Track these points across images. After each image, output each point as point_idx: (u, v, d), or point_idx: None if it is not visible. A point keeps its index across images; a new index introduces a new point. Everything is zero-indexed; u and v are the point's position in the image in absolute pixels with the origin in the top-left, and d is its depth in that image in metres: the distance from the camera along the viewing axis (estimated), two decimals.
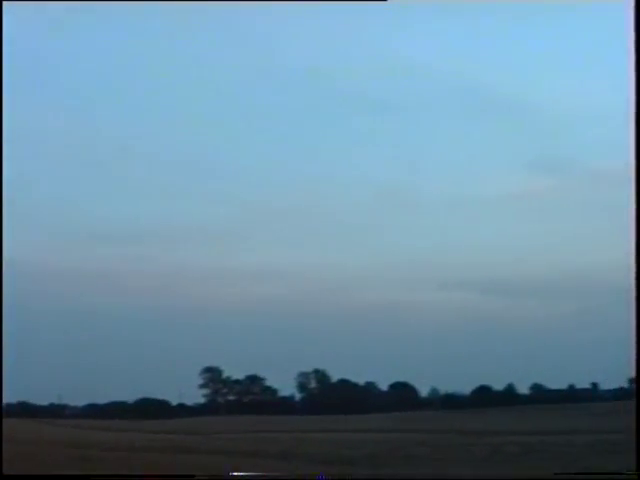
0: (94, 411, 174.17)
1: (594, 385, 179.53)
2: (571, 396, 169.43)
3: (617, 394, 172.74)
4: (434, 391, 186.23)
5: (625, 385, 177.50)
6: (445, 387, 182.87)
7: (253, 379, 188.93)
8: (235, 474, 33.82)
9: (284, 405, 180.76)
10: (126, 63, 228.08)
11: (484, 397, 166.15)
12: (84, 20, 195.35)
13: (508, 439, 72.52)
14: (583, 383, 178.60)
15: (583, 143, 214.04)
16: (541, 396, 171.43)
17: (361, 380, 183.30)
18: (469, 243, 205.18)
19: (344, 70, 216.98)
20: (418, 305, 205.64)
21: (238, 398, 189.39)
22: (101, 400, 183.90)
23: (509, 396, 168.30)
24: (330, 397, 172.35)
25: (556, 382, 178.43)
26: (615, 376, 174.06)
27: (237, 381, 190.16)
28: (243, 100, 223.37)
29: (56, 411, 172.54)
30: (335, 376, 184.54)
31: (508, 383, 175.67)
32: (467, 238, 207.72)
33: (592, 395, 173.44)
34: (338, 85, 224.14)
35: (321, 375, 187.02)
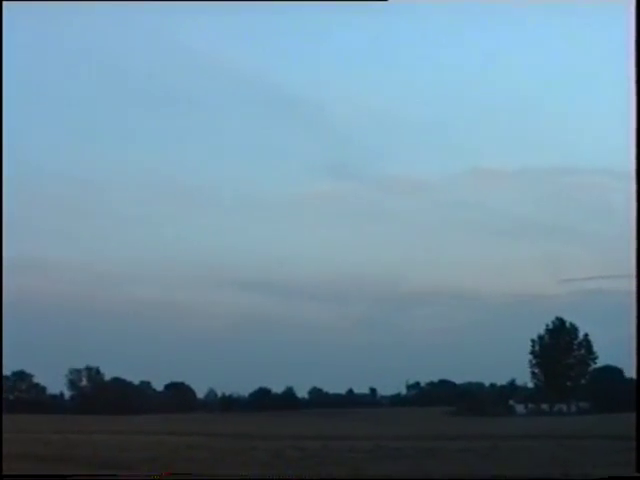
0: None
1: (372, 390, 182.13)
2: (350, 401, 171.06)
3: (394, 400, 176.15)
4: (212, 392, 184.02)
5: (403, 391, 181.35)
6: (223, 389, 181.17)
7: (20, 375, 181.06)
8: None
9: (53, 404, 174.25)
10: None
11: (263, 400, 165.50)
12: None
13: (289, 443, 70.66)
14: (362, 388, 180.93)
15: (377, 150, 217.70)
16: (320, 400, 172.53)
17: (135, 379, 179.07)
18: (255, 244, 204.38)
19: (143, 65, 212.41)
20: (198, 304, 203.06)
21: (4, 396, 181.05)
22: None
23: (289, 399, 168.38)
24: (103, 396, 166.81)
25: (335, 387, 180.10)
26: (393, 382, 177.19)
27: (2, 377, 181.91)
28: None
29: None
30: (108, 374, 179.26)
31: (288, 386, 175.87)
32: (253, 239, 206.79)
33: (371, 400, 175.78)
34: (133, 79, 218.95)
35: (94, 373, 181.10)
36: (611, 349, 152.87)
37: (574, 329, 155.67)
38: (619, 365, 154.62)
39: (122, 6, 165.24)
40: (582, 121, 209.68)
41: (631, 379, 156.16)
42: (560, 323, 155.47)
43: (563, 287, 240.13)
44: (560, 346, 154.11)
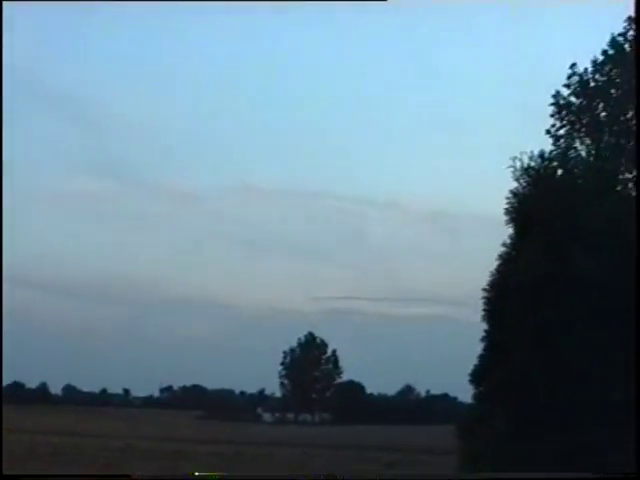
0: None
1: (126, 391, 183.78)
2: (103, 400, 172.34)
3: (147, 402, 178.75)
4: None
5: (156, 394, 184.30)
6: None
7: None
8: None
9: None
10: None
11: (17, 393, 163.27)
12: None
13: (41, 439, 72.48)
14: (116, 388, 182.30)
15: (149, 157, 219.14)
16: (73, 397, 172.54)
17: None
18: (12, 239, 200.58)
19: None
20: None
21: None
22: None
23: (42, 395, 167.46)
24: None
25: (89, 385, 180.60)
26: (146, 385, 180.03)
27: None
28: None
29: None
30: None
31: (41, 382, 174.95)
32: (9, 233, 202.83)
33: (124, 401, 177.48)
34: None
35: None
36: (355, 365, 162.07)
37: (324, 345, 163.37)
38: (361, 381, 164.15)
39: None
40: (348, 148, 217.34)
41: (370, 394, 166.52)
42: (311, 338, 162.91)
43: (315, 305, 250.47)
44: (309, 360, 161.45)
